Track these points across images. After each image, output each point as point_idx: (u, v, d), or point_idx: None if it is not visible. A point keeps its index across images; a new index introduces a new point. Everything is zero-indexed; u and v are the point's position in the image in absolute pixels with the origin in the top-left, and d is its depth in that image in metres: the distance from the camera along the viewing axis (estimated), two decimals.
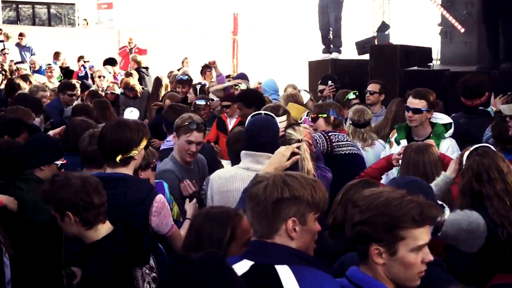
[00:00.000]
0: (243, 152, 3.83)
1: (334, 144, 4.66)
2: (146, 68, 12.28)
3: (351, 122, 5.58)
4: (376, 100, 6.83)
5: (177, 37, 17.87)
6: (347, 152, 4.62)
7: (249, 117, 4.15)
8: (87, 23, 22.99)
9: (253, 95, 6.27)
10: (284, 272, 2.18)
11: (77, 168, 3.69)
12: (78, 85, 8.89)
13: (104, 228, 2.85)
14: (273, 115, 4.16)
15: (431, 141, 4.34)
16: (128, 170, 3.37)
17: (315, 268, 2.26)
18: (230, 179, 3.60)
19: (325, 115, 4.97)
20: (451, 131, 4.98)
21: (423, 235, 2.08)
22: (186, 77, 8.85)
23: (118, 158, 3.30)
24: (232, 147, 4.31)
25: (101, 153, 3.39)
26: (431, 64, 9.39)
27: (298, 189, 2.27)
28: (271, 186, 2.29)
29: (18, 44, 14.37)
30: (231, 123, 6.62)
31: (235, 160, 4.09)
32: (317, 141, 4.66)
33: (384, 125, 5.88)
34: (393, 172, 4.53)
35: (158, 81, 9.84)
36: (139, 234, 2.89)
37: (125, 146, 3.30)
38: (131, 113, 7.62)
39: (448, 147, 4.86)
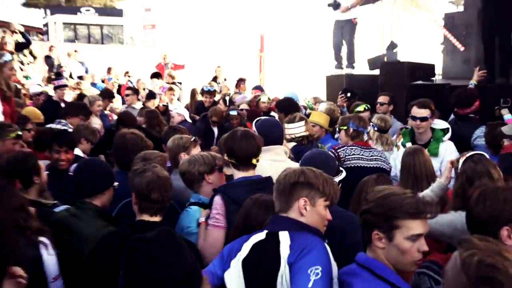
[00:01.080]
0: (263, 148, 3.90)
1: (342, 159, 4.61)
2: (180, 82, 12.44)
3: (376, 129, 5.56)
4: (385, 110, 6.83)
5: (211, 54, 17.97)
6: (352, 166, 4.54)
7: (254, 122, 4.34)
8: (134, 42, 23.34)
9: (290, 103, 6.41)
10: (284, 236, 2.38)
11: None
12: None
13: (145, 220, 2.94)
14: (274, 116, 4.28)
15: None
16: (253, 172, 3.44)
17: (312, 234, 2.39)
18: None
19: (345, 128, 4.92)
20: (448, 135, 4.98)
21: (417, 226, 2.10)
22: (213, 88, 9.10)
23: (254, 161, 3.40)
24: None
25: (234, 159, 3.39)
26: (434, 78, 9.38)
27: (312, 178, 2.48)
28: (291, 173, 2.52)
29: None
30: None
31: None
32: None
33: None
34: None
35: (193, 93, 10.13)
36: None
37: (257, 151, 3.42)
38: (180, 108, 7.86)
39: (446, 148, 4.86)
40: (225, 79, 12.78)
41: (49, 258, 2.98)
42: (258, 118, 4.46)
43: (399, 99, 7.47)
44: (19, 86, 6.89)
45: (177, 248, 1.95)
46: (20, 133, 4.69)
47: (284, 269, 2.28)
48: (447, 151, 4.83)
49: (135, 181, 2.95)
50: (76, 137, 5.09)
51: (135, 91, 9.77)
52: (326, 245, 2.35)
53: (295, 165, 3.92)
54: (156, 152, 4.01)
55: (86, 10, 27.43)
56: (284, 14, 24.53)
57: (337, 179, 3.36)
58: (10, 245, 2.80)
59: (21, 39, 10.41)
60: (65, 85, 8.31)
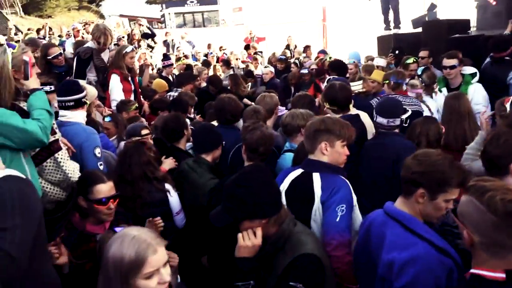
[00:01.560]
0: None
1: None
2: (261, 52, 12.44)
3: (424, 84, 5.11)
4: (426, 62, 6.29)
5: (285, 27, 17.41)
6: None
7: (326, 81, 4.27)
8: (226, 23, 23.20)
9: (339, 63, 6.09)
10: (316, 177, 2.38)
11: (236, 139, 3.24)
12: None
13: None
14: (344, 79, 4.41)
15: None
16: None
17: (337, 174, 2.39)
18: None
19: (387, 81, 4.66)
20: (476, 78, 4.60)
21: (456, 192, 1.91)
22: (284, 56, 8.98)
23: (350, 105, 3.48)
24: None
25: (336, 106, 3.43)
26: (469, 31, 8.44)
27: (330, 124, 2.42)
28: (313, 121, 2.51)
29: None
30: (323, 85, 6.46)
31: None
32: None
33: None
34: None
35: (269, 60, 10.17)
36: None
37: (351, 98, 3.53)
38: (269, 67, 8.24)
39: (474, 89, 4.51)
40: (295, 46, 12.36)
41: (172, 199, 3.09)
42: (328, 78, 4.29)
43: (440, 52, 6.87)
44: (147, 64, 6.91)
45: (267, 178, 1.91)
46: (137, 105, 4.83)
47: (318, 205, 2.32)
48: (476, 91, 4.49)
49: (247, 136, 2.83)
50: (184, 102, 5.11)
51: (226, 62, 9.87)
52: (347, 182, 2.36)
53: (356, 111, 3.81)
54: (261, 108, 3.88)
55: (191, 2, 27.56)
56: None
57: (404, 116, 3.28)
58: (138, 191, 2.94)
59: (146, 30, 10.58)
60: (171, 64, 8.31)
